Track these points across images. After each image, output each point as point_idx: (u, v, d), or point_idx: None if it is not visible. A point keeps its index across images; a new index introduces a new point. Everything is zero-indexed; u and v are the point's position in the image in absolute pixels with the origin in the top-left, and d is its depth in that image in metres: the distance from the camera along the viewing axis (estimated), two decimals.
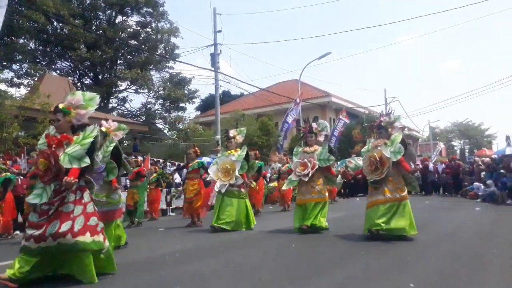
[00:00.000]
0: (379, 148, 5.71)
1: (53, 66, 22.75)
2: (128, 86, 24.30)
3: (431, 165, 17.97)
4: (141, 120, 24.43)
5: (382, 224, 5.45)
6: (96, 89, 22.44)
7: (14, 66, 19.46)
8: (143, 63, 22.93)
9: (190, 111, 46.47)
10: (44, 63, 21.67)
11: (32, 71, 19.69)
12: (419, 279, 3.54)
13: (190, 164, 8.75)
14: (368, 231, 5.70)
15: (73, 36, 19.66)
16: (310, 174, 6.59)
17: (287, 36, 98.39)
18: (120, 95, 25.20)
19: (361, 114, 29.93)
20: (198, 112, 40.05)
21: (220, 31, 20.57)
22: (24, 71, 20.11)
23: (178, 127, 26.07)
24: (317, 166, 6.64)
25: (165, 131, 28.14)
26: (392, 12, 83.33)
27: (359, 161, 19.97)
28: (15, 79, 19.92)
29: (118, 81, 23.43)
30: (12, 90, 18.82)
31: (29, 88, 18.20)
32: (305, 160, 6.72)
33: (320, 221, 6.66)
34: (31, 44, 19.60)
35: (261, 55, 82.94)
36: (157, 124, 26.29)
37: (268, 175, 14.83)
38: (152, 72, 24.55)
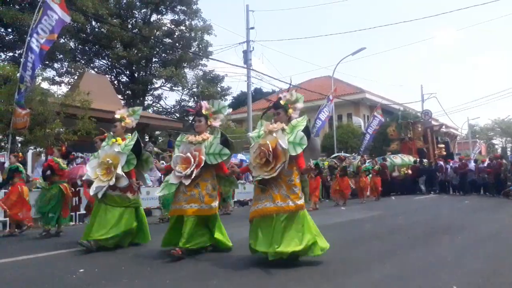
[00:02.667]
0: (274, 135, 4.12)
1: (91, 65, 23.51)
2: (163, 84, 24.76)
3: (472, 164, 17.25)
4: (175, 117, 24.84)
5: (275, 245, 3.91)
6: (132, 86, 23.06)
7: (56, 65, 20.26)
8: (177, 61, 23.28)
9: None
10: (83, 62, 22.42)
11: (72, 69, 20.45)
12: (461, 281, 3.43)
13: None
14: (251, 250, 4.28)
15: (110, 35, 20.23)
16: (193, 175, 4.63)
17: (320, 32, 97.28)
18: (155, 93, 25.71)
19: (396, 111, 29.22)
20: (230, 110, 40.37)
21: (252, 28, 20.62)
22: (64, 69, 20.90)
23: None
24: (203, 163, 4.70)
25: None
26: (427, 6, 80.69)
27: (395, 159, 19.56)
28: (56, 78, 20.74)
29: (153, 79, 23.91)
30: (54, 88, 19.64)
31: (69, 86, 18.91)
32: (188, 154, 4.75)
33: (218, 240, 4.87)
34: (71, 44, 20.30)
35: (293, 52, 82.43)
36: (190, 121, 26.66)
37: None
38: (186, 70, 24.89)
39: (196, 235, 4.67)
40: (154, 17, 23.78)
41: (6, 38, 16.90)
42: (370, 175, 14.80)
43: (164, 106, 26.42)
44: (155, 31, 22.82)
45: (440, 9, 71.97)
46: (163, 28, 23.47)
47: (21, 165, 7.88)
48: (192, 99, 25.72)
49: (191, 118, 27.81)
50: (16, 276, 4.09)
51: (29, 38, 9.97)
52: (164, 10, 23.44)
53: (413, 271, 3.88)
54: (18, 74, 10.38)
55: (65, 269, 4.22)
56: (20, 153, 8.55)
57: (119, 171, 5.25)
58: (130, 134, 5.71)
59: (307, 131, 4.17)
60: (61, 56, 18.73)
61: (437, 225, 7.35)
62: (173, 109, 26.13)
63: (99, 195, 5.27)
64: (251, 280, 3.63)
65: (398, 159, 19.71)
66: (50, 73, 20.14)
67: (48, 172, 7.12)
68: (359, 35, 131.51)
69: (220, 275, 3.76)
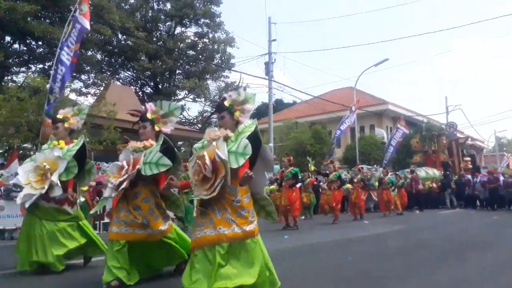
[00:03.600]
0: (214, 143, 3.28)
1: (117, 76, 24.15)
2: (186, 95, 25.16)
3: (502, 178, 16.68)
4: (197, 127, 25.13)
5: (215, 283, 3.02)
6: (156, 98, 23.48)
7: (83, 77, 20.89)
8: (200, 73, 23.65)
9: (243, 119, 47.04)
10: (109, 73, 23.05)
11: (98, 81, 21.06)
12: None
13: (284, 173, 9.41)
14: None
15: (136, 47, 20.76)
16: (123, 186, 3.79)
17: (343, 43, 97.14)
18: (179, 104, 26.15)
19: (420, 122, 28.74)
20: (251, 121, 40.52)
21: (274, 40, 20.75)
22: (91, 81, 21.55)
23: None
24: (135, 172, 3.84)
25: None
26: (451, 16, 79.49)
27: (419, 172, 19.13)
28: (83, 89, 21.38)
29: (177, 90, 24.33)
30: (81, 99, 20.21)
31: (95, 97, 19.42)
32: (124, 162, 3.95)
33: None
34: (98, 56, 20.91)
35: (315, 63, 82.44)
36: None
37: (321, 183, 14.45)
38: (209, 81, 25.25)
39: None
40: (178, 29, 24.30)
41: (37, 51, 17.53)
42: (395, 189, 14.44)
43: (186, 117, 26.81)
44: (179, 43, 23.28)
45: (464, 20, 70.89)
46: (187, 40, 23.94)
47: None
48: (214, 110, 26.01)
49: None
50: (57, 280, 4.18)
51: (59, 51, 10.30)
52: (188, 23, 23.91)
53: None
54: (47, 86, 10.74)
55: (99, 274, 4.29)
56: None
57: (54, 178, 4.42)
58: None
59: (255, 137, 3.32)
60: (88, 68, 19.29)
61: (465, 241, 7.15)
62: (195, 120, 26.47)
63: (26, 205, 4.42)
64: None
65: (422, 172, 19.32)
66: (77, 84, 20.76)
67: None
68: (382, 46, 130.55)
69: None
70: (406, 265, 4.97)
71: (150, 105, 4.20)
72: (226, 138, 3.29)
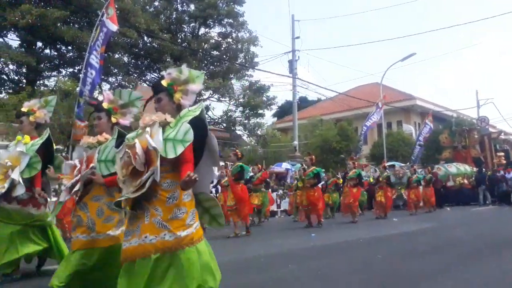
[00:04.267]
0: (148, 130, 2.67)
1: (143, 78, 24.65)
2: (210, 95, 25.40)
3: None
4: (222, 127, 25.31)
5: None
6: None
7: (111, 79, 21.44)
8: (224, 73, 23.82)
9: (267, 117, 47.17)
10: (135, 76, 23.55)
11: (125, 83, 21.55)
12: None
13: (306, 172, 9.35)
14: None
15: (161, 49, 21.13)
16: (76, 188, 3.35)
17: (368, 38, 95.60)
18: (204, 104, 26.41)
19: (449, 117, 27.95)
20: (275, 119, 40.48)
21: (298, 37, 20.70)
22: (118, 83, 22.08)
23: (257, 133, 26.61)
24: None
25: (244, 137, 28.89)
26: (479, 8, 76.85)
27: (450, 168, 18.63)
28: (111, 91, 21.98)
29: (202, 91, 24.58)
30: None
31: None
32: (76, 161, 3.53)
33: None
34: (125, 58, 21.38)
35: (340, 59, 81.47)
36: (237, 131, 27.09)
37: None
38: (233, 81, 25.39)
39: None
40: (202, 30, 24.53)
41: (67, 55, 18.08)
42: (424, 185, 14.13)
43: (211, 117, 27.05)
44: (203, 44, 23.51)
45: (494, 11, 68.38)
46: (210, 41, 24.14)
47: None
48: (239, 109, 26.18)
49: (237, 128, 28.44)
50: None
51: (88, 55, 10.59)
52: (211, 23, 24.11)
53: None
54: (77, 89, 11.07)
55: None
56: None
57: (15, 176, 4.00)
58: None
59: (200, 123, 2.66)
60: (116, 70, 19.74)
61: (499, 239, 6.90)
62: (220, 120, 26.68)
63: None
64: None
65: (453, 168, 18.79)
66: (105, 86, 21.30)
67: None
68: (409, 41, 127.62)
69: (271, 286, 3.75)
70: (438, 264, 4.84)
71: (107, 93, 3.60)
72: (163, 124, 2.64)
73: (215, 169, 2.96)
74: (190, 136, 2.54)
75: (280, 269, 4.59)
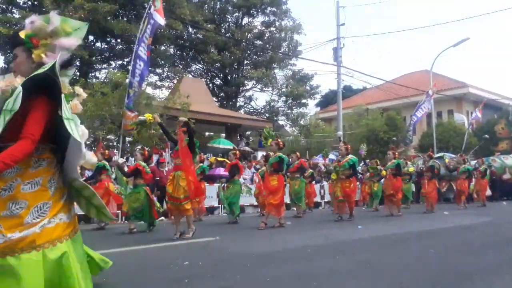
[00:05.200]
0: None
1: (188, 69, 25.09)
2: (253, 85, 25.44)
3: None
4: (265, 116, 25.34)
5: None
6: (226, 89, 24.04)
7: (158, 70, 22.00)
8: (267, 62, 23.76)
9: (310, 107, 46.67)
10: (181, 67, 24.03)
11: (172, 74, 22.10)
12: None
13: (340, 162, 8.90)
14: None
15: (205, 40, 21.41)
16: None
17: (417, 23, 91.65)
18: (247, 94, 26.53)
19: (506, 106, 26.31)
20: (318, 108, 39.94)
21: (343, 24, 20.17)
22: (165, 74, 22.67)
23: (300, 123, 26.39)
24: None
25: (287, 127, 28.75)
26: None
27: (506, 160, 17.63)
28: (158, 82, 22.55)
29: (245, 81, 24.69)
30: (156, 92, 21.33)
31: (169, 90, 20.35)
32: None
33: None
34: (171, 50, 21.85)
35: (387, 46, 78.73)
36: (279, 121, 27.01)
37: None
38: (276, 70, 25.28)
39: None
40: (245, 20, 24.54)
41: (116, 48, 18.72)
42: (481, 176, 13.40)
43: (254, 107, 27.13)
44: (246, 34, 23.53)
45: None
46: (254, 30, 24.10)
47: (107, 163, 8.44)
48: (281, 98, 26.06)
49: (280, 118, 28.35)
50: (125, 264, 4.50)
51: (136, 47, 10.91)
52: (255, 12, 24.05)
53: None
54: (127, 80, 11.45)
55: (169, 260, 4.53)
56: (107, 151, 9.01)
57: None
58: None
59: (44, 80, 2.02)
60: (162, 62, 20.21)
61: None
62: (263, 110, 26.70)
63: None
64: (353, 285, 3.52)
65: (509, 160, 17.73)
66: (152, 78, 21.90)
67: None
68: (461, 25, 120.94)
69: (320, 278, 3.72)
70: (496, 260, 4.59)
71: (30, 19, 2.20)
72: (6, 92, 2.04)
73: (83, 147, 2.17)
74: (18, 102, 1.93)
75: (328, 260, 4.54)
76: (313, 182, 12.84)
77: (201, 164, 10.06)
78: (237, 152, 9.70)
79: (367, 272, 3.95)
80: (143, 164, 7.49)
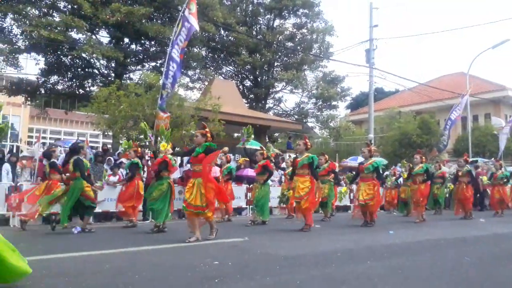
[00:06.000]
0: None
1: (219, 71, 25.35)
2: (283, 87, 25.40)
3: None
4: (294, 119, 25.26)
5: None
6: (255, 90, 24.11)
7: (189, 72, 22.35)
8: (298, 64, 23.69)
9: (340, 109, 46.15)
10: (212, 69, 24.31)
11: (203, 76, 22.38)
12: None
13: (298, 159, 7.63)
14: None
15: (237, 42, 21.57)
16: None
17: (454, 25, 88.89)
18: (276, 96, 26.54)
19: None
20: (348, 111, 39.42)
21: (376, 25, 19.85)
22: (197, 76, 22.98)
23: (330, 126, 26.13)
24: None
25: (316, 129, 28.53)
26: None
27: None
28: (189, 84, 22.91)
29: (275, 83, 24.70)
30: (188, 93, 21.67)
31: (201, 91, 20.63)
32: None
33: None
34: (203, 52, 22.15)
35: (421, 48, 76.79)
36: (309, 123, 26.85)
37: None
38: (306, 72, 25.15)
39: None
40: (277, 22, 24.56)
41: (150, 50, 19.16)
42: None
43: (284, 109, 27.08)
44: (278, 35, 23.55)
45: None
46: (285, 32, 24.09)
47: (139, 161, 8.45)
48: (311, 100, 25.89)
49: (309, 120, 28.06)
50: (157, 262, 4.60)
51: (170, 49, 11.13)
52: (287, 14, 24.04)
53: None
54: (160, 82, 11.69)
55: (199, 260, 4.59)
56: (139, 149, 8.86)
57: None
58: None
59: None
60: (194, 64, 20.53)
61: None
62: (292, 111, 26.61)
63: None
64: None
65: None
66: (184, 80, 22.27)
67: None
68: (501, 26, 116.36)
69: (351, 283, 3.67)
70: None
71: None
72: None
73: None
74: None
75: (359, 264, 4.47)
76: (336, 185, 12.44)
77: (228, 164, 10.08)
78: (264, 152, 9.24)
79: (399, 278, 3.88)
80: (170, 156, 7.39)
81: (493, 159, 15.48)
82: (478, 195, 14.31)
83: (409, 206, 11.84)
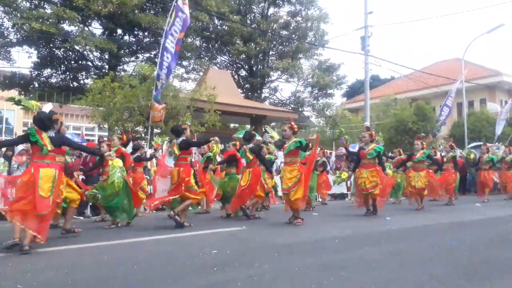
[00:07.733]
0: None
1: (214, 61, 25.16)
2: (279, 76, 25.30)
3: None
4: (290, 107, 25.20)
5: None
6: (251, 80, 24.00)
7: (184, 63, 22.16)
8: (293, 53, 23.56)
9: (336, 97, 46.12)
10: (206, 59, 24.13)
11: (198, 66, 22.21)
12: None
13: (285, 145, 6.96)
14: None
15: (231, 31, 21.38)
16: None
17: (448, 10, 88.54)
18: (272, 85, 26.44)
19: None
20: (344, 99, 39.38)
21: (371, 12, 19.71)
22: (191, 66, 22.78)
23: (326, 114, 26.10)
24: None
25: (312, 118, 28.49)
26: None
27: None
28: (184, 75, 22.74)
29: (270, 72, 24.57)
30: (183, 84, 21.53)
31: (195, 82, 20.51)
32: None
33: None
34: (197, 42, 21.94)
35: (416, 34, 76.56)
36: (305, 112, 26.80)
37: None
38: (302, 61, 25.03)
39: None
40: (271, 10, 24.35)
41: (144, 41, 18.98)
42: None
43: (280, 98, 26.99)
44: (272, 24, 23.36)
45: None
46: (280, 20, 23.90)
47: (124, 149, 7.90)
48: (307, 89, 25.80)
49: (306, 109, 28.02)
50: (156, 251, 4.62)
51: (164, 40, 11.04)
52: (281, 2, 23.83)
53: None
54: (155, 73, 11.61)
55: (197, 249, 4.62)
56: (124, 136, 7.99)
57: None
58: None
59: None
60: (189, 54, 20.37)
61: None
62: (288, 100, 26.54)
63: None
64: (382, 275, 3.50)
65: None
66: (179, 70, 22.09)
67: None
68: (496, 11, 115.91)
69: (349, 268, 3.71)
70: None
71: None
72: None
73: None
74: None
75: (356, 250, 4.52)
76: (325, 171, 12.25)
77: (208, 153, 9.06)
78: (238, 143, 8.62)
79: (396, 262, 3.92)
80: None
81: (500, 143, 15.52)
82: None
83: (401, 192, 11.97)
